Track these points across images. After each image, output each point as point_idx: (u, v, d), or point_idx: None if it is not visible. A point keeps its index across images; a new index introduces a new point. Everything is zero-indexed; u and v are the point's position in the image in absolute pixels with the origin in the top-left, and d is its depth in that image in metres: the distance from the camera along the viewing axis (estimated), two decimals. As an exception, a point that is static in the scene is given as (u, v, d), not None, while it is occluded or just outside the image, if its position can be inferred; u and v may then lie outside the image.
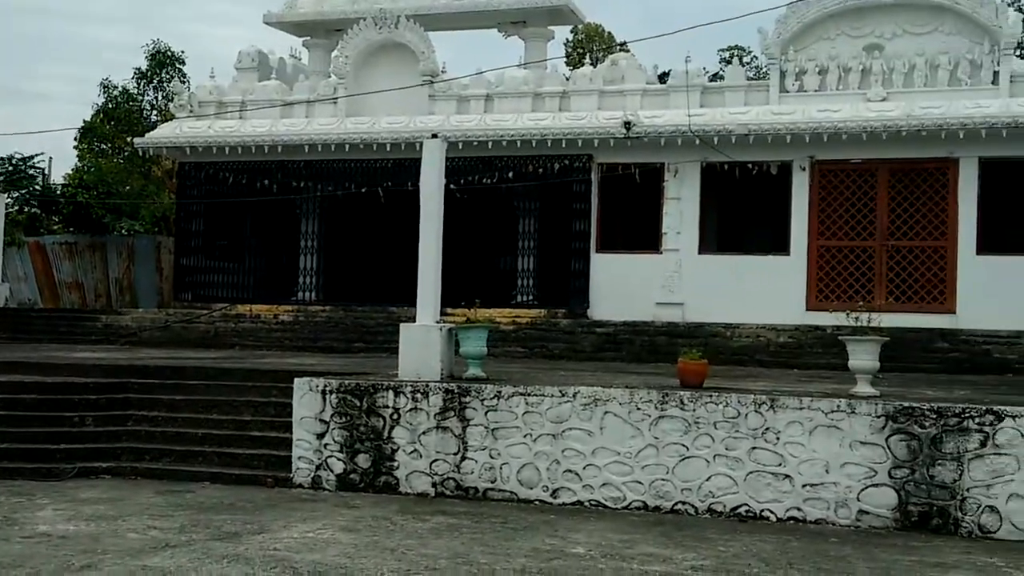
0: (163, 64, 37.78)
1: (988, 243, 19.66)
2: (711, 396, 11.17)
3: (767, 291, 20.20)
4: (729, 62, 33.45)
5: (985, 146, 19.38)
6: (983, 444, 10.27)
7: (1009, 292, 18.91)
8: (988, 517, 10.15)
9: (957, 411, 10.43)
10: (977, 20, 20.00)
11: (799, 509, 10.70)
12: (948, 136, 19.34)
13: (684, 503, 11.05)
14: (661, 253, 21.22)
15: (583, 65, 25.93)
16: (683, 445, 11.12)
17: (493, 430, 11.77)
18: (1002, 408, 10.37)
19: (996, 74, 19.95)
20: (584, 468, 11.41)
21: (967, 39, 20.19)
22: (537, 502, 11.50)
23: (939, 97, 19.97)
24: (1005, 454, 10.20)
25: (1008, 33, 19.89)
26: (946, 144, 19.53)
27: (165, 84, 37.38)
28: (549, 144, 21.57)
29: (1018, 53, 24.45)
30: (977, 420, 10.34)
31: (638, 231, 21.70)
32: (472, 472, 11.80)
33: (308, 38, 26.22)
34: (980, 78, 20.04)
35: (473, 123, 22.28)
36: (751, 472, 10.88)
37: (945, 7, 20.24)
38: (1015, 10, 37.96)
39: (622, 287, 21.11)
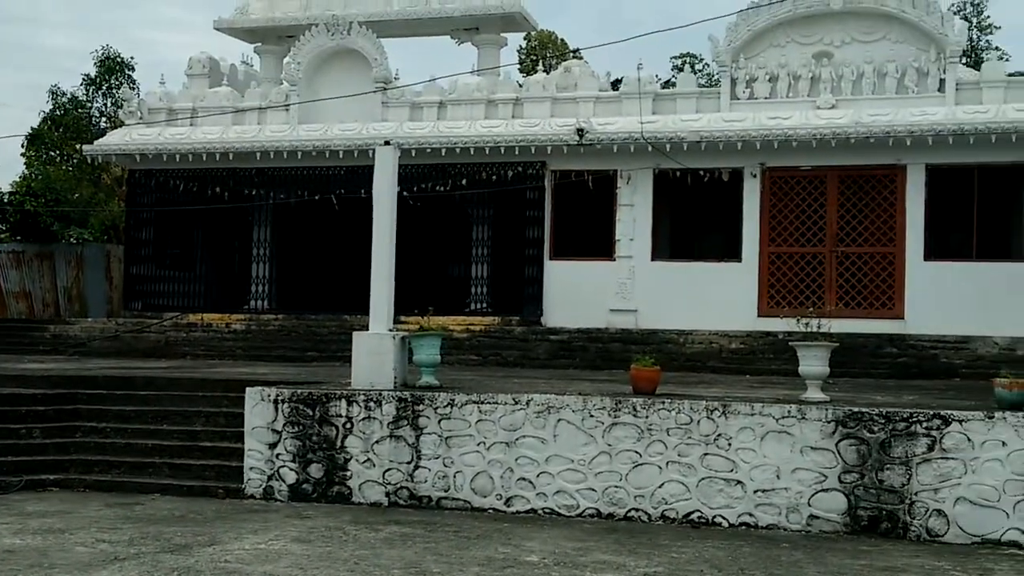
0: (112, 70, 37.30)
1: (935, 249, 19.95)
2: (664, 403, 11.23)
3: (720, 297, 20.35)
4: (681, 69, 33.67)
5: (932, 153, 19.65)
6: (931, 448, 10.40)
7: (955, 297, 19.19)
8: (936, 521, 10.29)
9: (905, 416, 10.56)
10: (924, 29, 20.28)
11: (751, 515, 10.78)
12: (896, 143, 19.59)
13: (637, 510, 11.09)
14: (615, 260, 21.30)
15: (536, 72, 25.99)
16: (636, 452, 11.17)
17: (447, 438, 11.75)
18: (949, 412, 10.51)
19: (942, 82, 20.22)
20: (538, 476, 11.43)
21: (914, 47, 20.46)
22: (491, 510, 11.49)
23: (887, 104, 20.22)
24: (952, 458, 10.34)
25: (954, 41, 20.18)
26: (894, 151, 19.78)
27: (114, 91, 36.95)
28: (502, 151, 21.59)
29: (964, 61, 24.86)
30: (925, 424, 10.47)
31: (592, 238, 21.77)
32: (425, 481, 11.77)
33: (260, 44, 26.06)
34: (927, 86, 20.31)
35: (426, 130, 22.26)
36: (703, 478, 10.95)
37: (893, 16, 20.50)
38: (961, 19, 38.63)
39: (576, 294, 21.17)
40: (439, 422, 11.78)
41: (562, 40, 43.33)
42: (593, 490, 11.23)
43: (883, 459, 10.50)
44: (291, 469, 12.16)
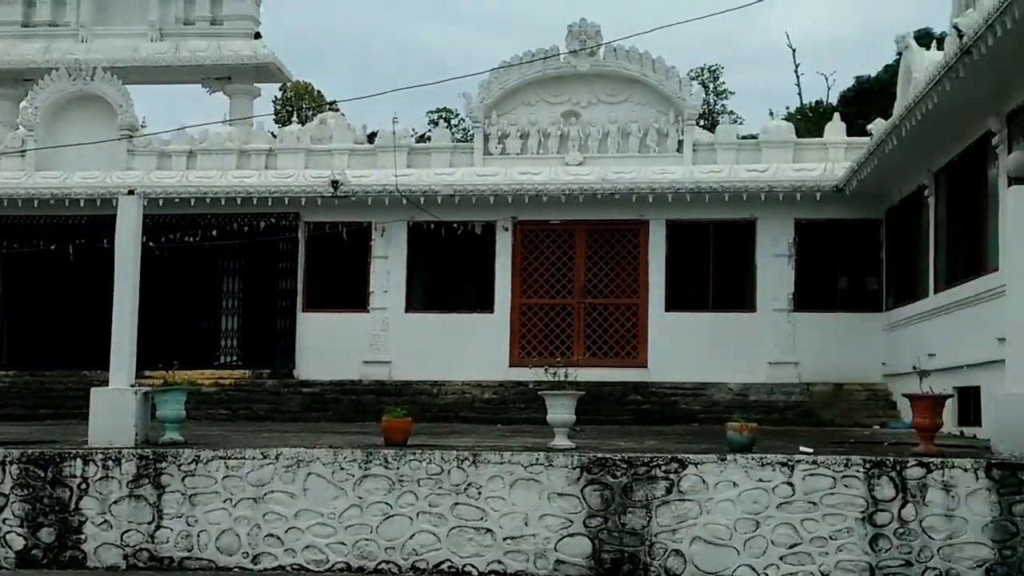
0: None
1: (675, 300, 20.93)
2: (415, 453, 11.22)
3: (473, 348, 20.63)
4: (437, 123, 34.17)
5: (671, 209, 20.69)
6: (669, 491, 10.82)
7: (693, 346, 20.17)
8: (674, 560, 10.68)
9: (645, 460, 10.95)
10: (664, 92, 21.41)
11: (500, 562, 10.88)
12: (639, 199, 20.50)
13: (388, 562, 11.00)
14: (369, 312, 21.27)
15: (291, 123, 25.78)
16: (387, 503, 11.09)
17: (191, 496, 11.32)
18: (686, 456, 10.97)
19: (681, 143, 21.39)
20: (286, 531, 11.16)
21: (655, 109, 21.57)
22: (237, 568, 11.12)
23: (631, 163, 21.17)
24: (689, 499, 10.78)
25: (691, 105, 21.42)
26: (637, 207, 20.70)
27: None
28: (255, 202, 21.23)
29: (701, 123, 26.36)
30: (663, 468, 10.89)
31: (346, 290, 21.67)
32: (167, 541, 11.28)
33: (-4, 87, 24.69)
34: (667, 146, 21.42)
35: (175, 179, 21.64)
36: (454, 527, 10.98)
37: (635, 79, 21.54)
38: (699, 84, 40.99)
39: (330, 346, 20.97)
40: (183, 479, 11.34)
41: (318, 92, 43.23)
42: (343, 544, 11.06)
43: (625, 503, 10.84)
44: (19, 534, 11.40)
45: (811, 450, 11.37)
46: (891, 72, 29.89)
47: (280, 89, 40.60)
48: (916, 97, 14.45)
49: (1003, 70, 12.43)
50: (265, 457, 11.31)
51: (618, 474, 10.90)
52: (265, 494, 11.23)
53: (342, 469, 11.18)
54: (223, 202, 21.27)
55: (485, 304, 21.30)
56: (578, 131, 21.59)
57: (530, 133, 21.68)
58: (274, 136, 23.31)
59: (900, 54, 19.27)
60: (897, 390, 18.95)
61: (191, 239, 21.43)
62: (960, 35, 12.28)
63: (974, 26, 11.87)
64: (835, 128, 21.73)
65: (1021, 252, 11.45)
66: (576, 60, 21.54)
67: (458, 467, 11.08)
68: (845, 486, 10.51)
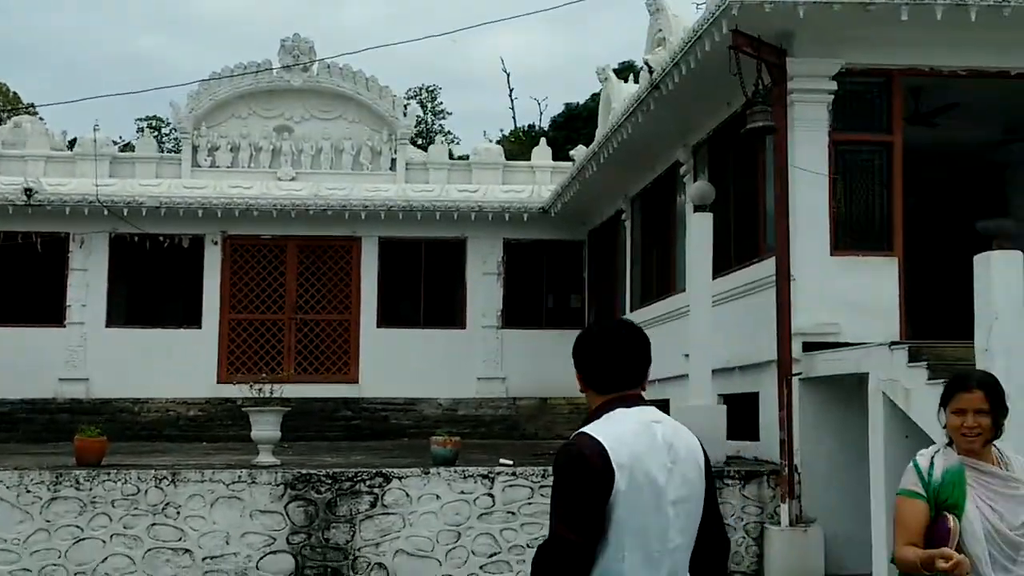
0: None
1: (387, 316, 21.10)
2: (109, 474, 10.80)
3: (179, 365, 19.97)
4: (144, 132, 32.95)
5: (384, 226, 20.84)
6: (373, 505, 10.94)
7: (404, 362, 20.37)
8: (377, 574, 10.80)
9: (350, 475, 11.03)
10: (377, 111, 21.61)
11: (199, 583, 10.65)
12: (351, 216, 20.53)
13: (78, 588, 10.53)
14: (65, 327, 20.20)
15: (-18, 125, 24.15)
16: (78, 526, 10.62)
17: None
18: (391, 470, 11.13)
19: (394, 161, 21.65)
20: (-35, 560, 10.47)
21: (369, 127, 21.72)
22: (-93, 603, 10.34)
23: (344, 179, 21.20)
24: (392, 513, 10.94)
25: (404, 124, 21.73)
26: (350, 223, 20.72)
27: None
28: (-63, 208, 19.74)
29: (419, 142, 26.76)
30: (368, 483, 11.00)
31: (40, 304, 20.46)
32: None
33: None
34: (380, 164, 21.61)
35: None
36: (150, 549, 10.64)
37: (348, 96, 21.63)
38: (417, 103, 41.55)
39: (21, 362, 19.69)
40: None
41: (15, 94, 40.69)
42: (28, 570, 10.49)
43: (329, 518, 10.87)
44: None
45: (511, 462, 11.79)
46: (597, 100, 31.40)
47: (-29, 88, 37.95)
48: (612, 127, 15.30)
49: (688, 106, 13.36)
50: (-58, 481, 10.57)
51: (323, 490, 10.91)
52: (-59, 521, 10.50)
53: (28, 492, 10.62)
54: (-100, 208, 19.67)
55: (192, 319, 20.70)
56: (291, 146, 21.44)
57: (241, 146, 21.32)
58: (-39, 138, 21.77)
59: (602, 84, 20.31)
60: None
61: None
62: (651, 71, 13.13)
63: (662, 63, 12.72)
64: (542, 152, 22.62)
65: (702, 276, 12.38)
66: (289, 75, 21.40)
67: (156, 487, 10.77)
68: (542, 495, 10.96)
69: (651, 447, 3.09)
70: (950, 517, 3.88)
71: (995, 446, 4.07)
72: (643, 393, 3.28)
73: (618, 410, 3.18)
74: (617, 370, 3.23)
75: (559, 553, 3.01)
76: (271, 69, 21.29)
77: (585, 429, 3.14)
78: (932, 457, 4.05)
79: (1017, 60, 11.41)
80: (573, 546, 2.99)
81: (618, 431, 3.10)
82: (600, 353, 3.26)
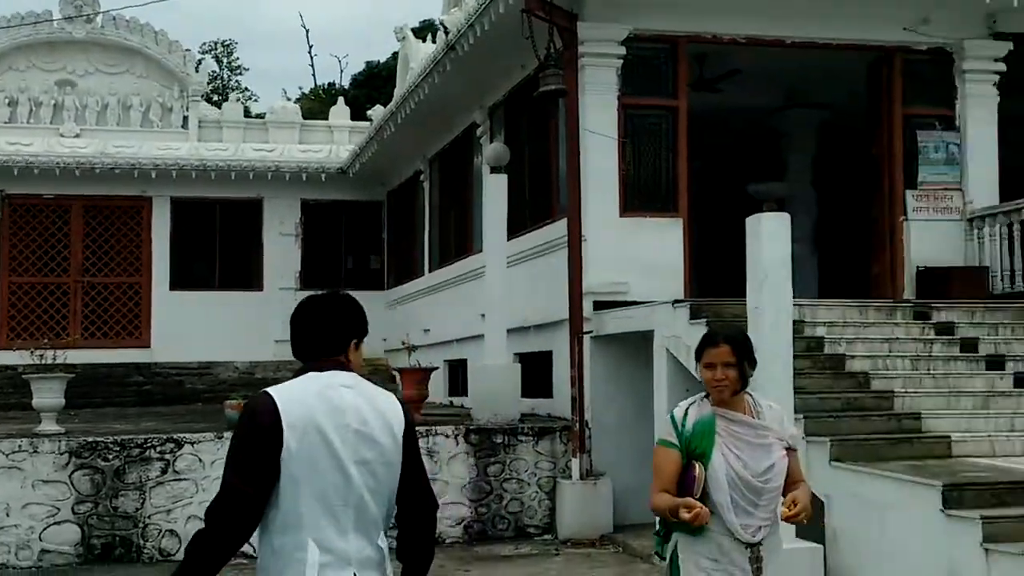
0: None
1: (180, 279, 20.50)
2: None
3: (-46, 331, 18.94)
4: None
5: (176, 186, 20.17)
6: (164, 471, 10.69)
7: (198, 326, 19.82)
8: (168, 540, 10.57)
9: (140, 442, 10.74)
10: (167, 66, 20.87)
11: (-22, 558, 10.20)
12: (141, 175, 19.77)
13: None
14: None
15: None
16: None
17: None
18: (182, 436, 10.90)
19: (186, 118, 20.98)
20: None
21: (158, 83, 20.96)
22: None
23: (133, 137, 20.43)
24: (184, 479, 10.72)
25: (196, 81, 21.08)
26: (140, 183, 19.97)
27: None
28: None
29: (215, 99, 25.99)
30: (159, 449, 10.73)
31: None
32: None
33: None
34: (171, 121, 20.91)
35: None
36: (-77, 525, 10.12)
37: (136, 50, 20.81)
38: (212, 58, 40.28)
39: None
40: None
41: None
42: None
43: (117, 486, 10.56)
44: None
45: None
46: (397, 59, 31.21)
47: None
48: (409, 87, 15.27)
49: (483, 68, 13.45)
50: None
51: (110, 457, 10.60)
52: None
53: None
54: None
55: (-31, 283, 19.62)
56: (75, 101, 20.49)
57: (20, 101, 20.27)
58: None
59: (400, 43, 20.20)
60: (396, 365, 19.92)
61: None
62: (446, 32, 13.16)
63: (458, 24, 12.76)
64: (340, 112, 22.37)
65: (497, 237, 12.57)
66: (71, 26, 20.40)
67: (-72, 459, 10.22)
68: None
69: (331, 409, 3.27)
70: (697, 465, 4.13)
71: (751, 395, 4.33)
72: (346, 360, 3.45)
73: (310, 374, 3.37)
74: (312, 339, 3.46)
75: (229, 501, 3.19)
76: (51, 20, 20.24)
77: (268, 389, 3.32)
78: (687, 408, 4.28)
79: (792, 29, 11.98)
80: (241, 495, 3.18)
81: (297, 393, 3.29)
82: (299, 324, 3.50)
